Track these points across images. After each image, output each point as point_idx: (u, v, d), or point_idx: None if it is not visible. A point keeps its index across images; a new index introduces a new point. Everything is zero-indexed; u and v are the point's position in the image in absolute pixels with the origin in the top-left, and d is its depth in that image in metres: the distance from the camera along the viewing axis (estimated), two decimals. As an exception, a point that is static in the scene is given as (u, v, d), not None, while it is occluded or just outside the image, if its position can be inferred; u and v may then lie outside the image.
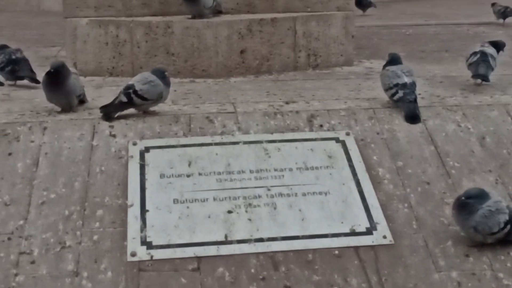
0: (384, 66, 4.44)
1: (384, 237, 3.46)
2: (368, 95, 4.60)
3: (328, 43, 5.66)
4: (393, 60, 4.44)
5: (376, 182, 3.75)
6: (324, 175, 3.76)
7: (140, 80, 4.12)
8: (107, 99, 4.49)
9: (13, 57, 5.01)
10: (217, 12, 5.57)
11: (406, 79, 4.22)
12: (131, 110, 4.13)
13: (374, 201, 3.63)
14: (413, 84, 4.22)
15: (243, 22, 5.36)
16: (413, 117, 4.14)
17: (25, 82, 5.03)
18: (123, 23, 5.37)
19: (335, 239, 3.44)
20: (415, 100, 4.19)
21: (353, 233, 3.46)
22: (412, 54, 6.42)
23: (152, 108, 4.18)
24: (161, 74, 4.19)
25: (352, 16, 5.80)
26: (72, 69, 4.99)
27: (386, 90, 4.32)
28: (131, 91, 4.05)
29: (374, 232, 3.48)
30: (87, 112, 4.23)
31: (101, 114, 4.07)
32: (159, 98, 4.15)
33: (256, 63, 5.41)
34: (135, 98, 4.05)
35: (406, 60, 5.98)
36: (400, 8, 10.70)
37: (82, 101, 4.40)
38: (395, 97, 4.23)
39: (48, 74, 4.11)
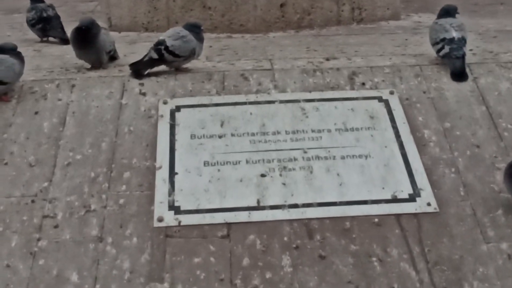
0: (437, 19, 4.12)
1: (429, 204, 3.21)
2: (415, 51, 4.30)
3: (374, -5, 5.34)
4: (446, 12, 4.11)
5: (421, 145, 3.49)
6: (365, 137, 3.52)
7: (172, 36, 3.91)
8: (139, 56, 4.29)
9: (44, 14, 4.86)
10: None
11: (454, 34, 3.91)
12: (162, 67, 3.93)
13: (418, 166, 3.37)
14: (462, 40, 3.90)
15: (283, -27, 5.09)
16: (459, 75, 3.84)
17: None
18: (158, -25, 5.16)
19: (375, 206, 3.20)
20: (462, 57, 3.88)
21: (394, 200, 3.22)
22: (464, 7, 5.99)
23: (184, 65, 3.97)
24: (196, 29, 3.97)
25: (400, -35, 5.46)
26: (101, 24, 4.83)
27: (433, 45, 4.02)
28: (162, 47, 3.85)
29: (417, 199, 3.23)
30: (118, 69, 4.04)
31: (130, 71, 3.88)
32: (192, 55, 3.94)
33: (297, 18, 5.14)
34: (166, 55, 3.85)
35: (457, 14, 5.66)
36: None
37: (113, 57, 4.23)
38: (441, 53, 3.93)
39: (76, 30, 3.93)
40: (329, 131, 3.54)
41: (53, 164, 3.40)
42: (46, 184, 3.31)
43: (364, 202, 3.22)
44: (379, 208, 3.19)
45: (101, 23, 5.31)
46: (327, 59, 4.12)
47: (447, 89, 3.80)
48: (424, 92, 3.78)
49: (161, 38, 3.93)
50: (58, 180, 3.33)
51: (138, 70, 3.88)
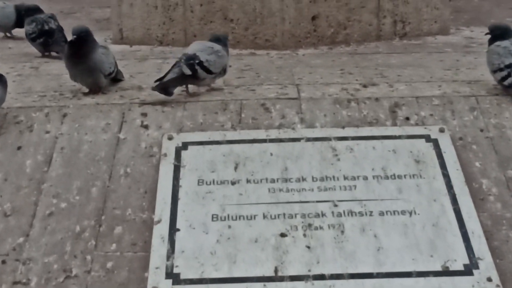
0: (492, 41, 3.46)
1: (489, 279, 2.56)
2: (468, 76, 3.64)
3: (419, 7, 4.69)
4: (504, 32, 3.45)
5: (479, 199, 2.85)
6: (409, 187, 2.88)
7: (204, 50, 3.42)
8: (148, 76, 3.78)
9: (46, 27, 4.34)
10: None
11: None
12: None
13: (475, 226, 2.73)
14: None
15: (316, -19, 4.46)
16: (529, 110, 3.19)
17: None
18: (174, -17, 4.58)
19: (421, 280, 2.57)
20: (533, 88, 3.23)
21: (446, 272, 2.59)
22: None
23: (212, 84, 3.51)
24: (224, 41, 3.53)
25: (450, -28, 4.80)
26: (101, 41, 4.28)
27: (494, 71, 3.36)
28: (195, 61, 3.33)
29: (475, 271, 2.59)
30: (119, 94, 3.47)
31: (156, 88, 3.31)
32: (222, 72, 3.47)
33: (331, 32, 4.51)
34: (199, 71, 3.34)
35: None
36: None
37: (116, 79, 3.66)
38: (506, 82, 3.27)
39: (68, 44, 3.37)
40: (365, 178, 2.92)
41: (32, 214, 2.85)
42: (21, 239, 2.75)
43: (408, 275, 2.59)
44: (426, 283, 2.56)
45: (101, 39, 4.80)
46: (365, 86, 3.49)
47: (510, 126, 3.15)
48: (482, 131, 3.13)
49: (189, 52, 3.42)
50: (37, 234, 2.77)
51: (167, 87, 3.32)
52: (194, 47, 3.49)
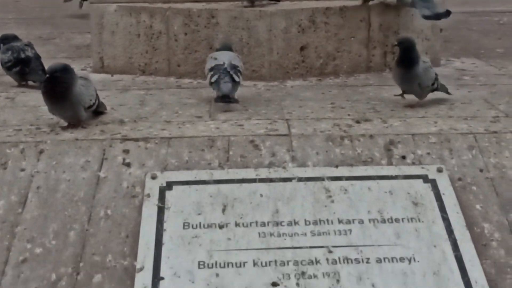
0: None
1: (495, 334, 2.41)
2: (464, 112, 3.51)
3: (409, 38, 4.55)
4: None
5: (481, 245, 2.69)
6: (407, 231, 2.72)
7: (235, 58, 3.69)
8: (130, 109, 3.63)
9: (22, 55, 4.14)
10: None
11: None
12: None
13: (478, 275, 2.58)
14: None
15: (305, 11, 4.31)
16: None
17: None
18: (158, 11, 4.41)
19: (423, 335, 2.41)
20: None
21: (449, 326, 2.43)
22: (512, 51, 5.25)
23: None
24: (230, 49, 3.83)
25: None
26: (81, 71, 4.12)
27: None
28: (237, 69, 3.62)
29: (479, 325, 2.43)
30: (100, 128, 3.29)
31: (218, 101, 3.55)
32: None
33: (320, 63, 4.37)
34: (241, 77, 3.65)
35: (505, 59, 4.89)
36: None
37: (98, 111, 3.47)
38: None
39: (46, 80, 3.18)
40: (361, 222, 2.76)
41: (4, 261, 2.64)
42: (-9, 290, 2.55)
43: (409, 330, 2.42)
44: (428, 339, 2.39)
45: (80, 67, 4.63)
46: (357, 122, 3.34)
47: (511, 166, 3.01)
48: (481, 171, 2.99)
49: (225, 61, 3.61)
50: (8, 284, 2.57)
51: (229, 97, 3.53)
52: (225, 57, 3.65)
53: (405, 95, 3.61)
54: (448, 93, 3.72)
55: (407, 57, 3.47)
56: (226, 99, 3.51)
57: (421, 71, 3.49)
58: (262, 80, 4.24)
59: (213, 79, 3.55)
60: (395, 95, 3.65)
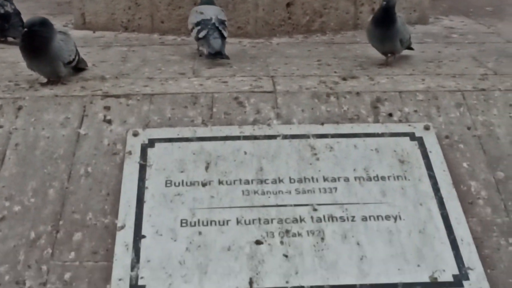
0: None
1: (480, 291, 2.39)
2: (452, 70, 3.45)
3: (398, -6, 4.46)
4: None
5: (467, 203, 2.66)
6: (393, 189, 2.68)
7: (220, 13, 3.61)
8: (112, 66, 3.53)
9: (1, 11, 4.03)
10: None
11: None
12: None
13: (464, 233, 2.55)
14: None
15: (291, -34, 4.22)
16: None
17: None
18: (141, -35, 4.29)
19: (408, 292, 2.38)
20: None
21: (434, 284, 2.40)
22: (502, 9, 5.16)
23: None
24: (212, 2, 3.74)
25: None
26: (62, 27, 4.01)
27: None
28: (225, 24, 3.58)
29: (465, 283, 2.40)
30: (80, 85, 3.20)
31: (217, 57, 3.49)
32: None
33: (306, 20, 4.28)
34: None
35: (493, 17, 4.82)
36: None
37: (79, 68, 3.39)
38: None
39: (24, 35, 3.08)
40: (346, 180, 2.71)
41: (-18, 219, 2.58)
42: (-31, 247, 2.49)
43: (394, 287, 2.39)
44: (413, 296, 2.37)
45: (61, 24, 4.51)
46: (344, 79, 3.27)
47: (498, 124, 2.97)
48: (469, 128, 2.94)
49: (212, 16, 3.54)
50: (-14, 242, 2.51)
51: (221, 53, 3.47)
52: (212, 11, 3.56)
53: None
54: (411, 48, 3.64)
55: (388, 16, 3.38)
56: (218, 56, 3.46)
57: (401, 27, 3.41)
58: (248, 37, 4.16)
59: (201, 35, 3.48)
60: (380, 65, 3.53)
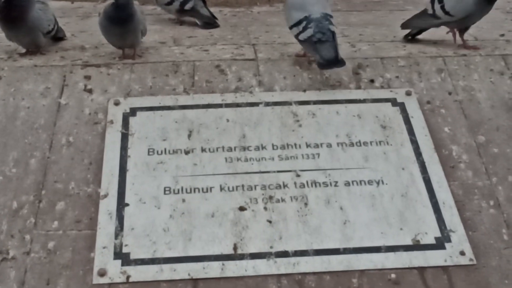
0: None
1: (462, 253, 2.41)
2: (433, 36, 3.45)
3: (378, -38, 4.46)
4: None
5: (449, 167, 2.68)
6: (375, 154, 2.70)
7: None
8: (91, 35, 3.48)
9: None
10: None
11: None
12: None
13: (446, 196, 2.57)
14: None
15: None
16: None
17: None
18: None
19: (391, 255, 2.40)
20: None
21: (417, 246, 2.42)
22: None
23: None
24: None
25: None
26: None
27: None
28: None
29: (447, 245, 2.43)
30: (60, 55, 3.17)
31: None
32: None
33: (287, -12, 4.24)
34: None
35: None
36: None
37: (58, 37, 3.35)
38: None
39: (2, 5, 3.03)
40: (329, 146, 2.72)
41: (-37, 189, 2.56)
42: (-49, 218, 2.47)
43: (377, 250, 2.41)
44: (396, 259, 2.39)
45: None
46: (326, 46, 3.26)
47: (479, 89, 2.98)
48: (450, 94, 2.95)
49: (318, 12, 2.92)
50: (-32, 213, 2.49)
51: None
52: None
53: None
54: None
55: (124, 12, 2.99)
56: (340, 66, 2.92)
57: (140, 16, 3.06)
58: (228, 6, 4.13)
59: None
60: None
